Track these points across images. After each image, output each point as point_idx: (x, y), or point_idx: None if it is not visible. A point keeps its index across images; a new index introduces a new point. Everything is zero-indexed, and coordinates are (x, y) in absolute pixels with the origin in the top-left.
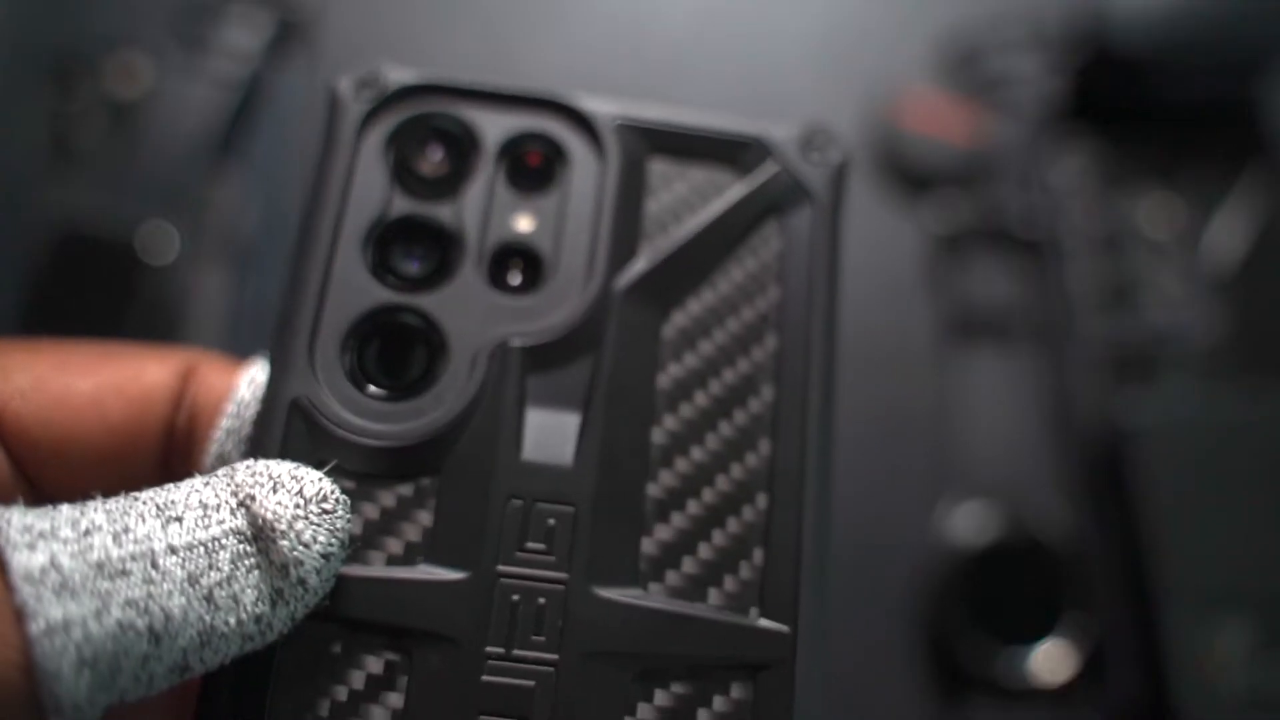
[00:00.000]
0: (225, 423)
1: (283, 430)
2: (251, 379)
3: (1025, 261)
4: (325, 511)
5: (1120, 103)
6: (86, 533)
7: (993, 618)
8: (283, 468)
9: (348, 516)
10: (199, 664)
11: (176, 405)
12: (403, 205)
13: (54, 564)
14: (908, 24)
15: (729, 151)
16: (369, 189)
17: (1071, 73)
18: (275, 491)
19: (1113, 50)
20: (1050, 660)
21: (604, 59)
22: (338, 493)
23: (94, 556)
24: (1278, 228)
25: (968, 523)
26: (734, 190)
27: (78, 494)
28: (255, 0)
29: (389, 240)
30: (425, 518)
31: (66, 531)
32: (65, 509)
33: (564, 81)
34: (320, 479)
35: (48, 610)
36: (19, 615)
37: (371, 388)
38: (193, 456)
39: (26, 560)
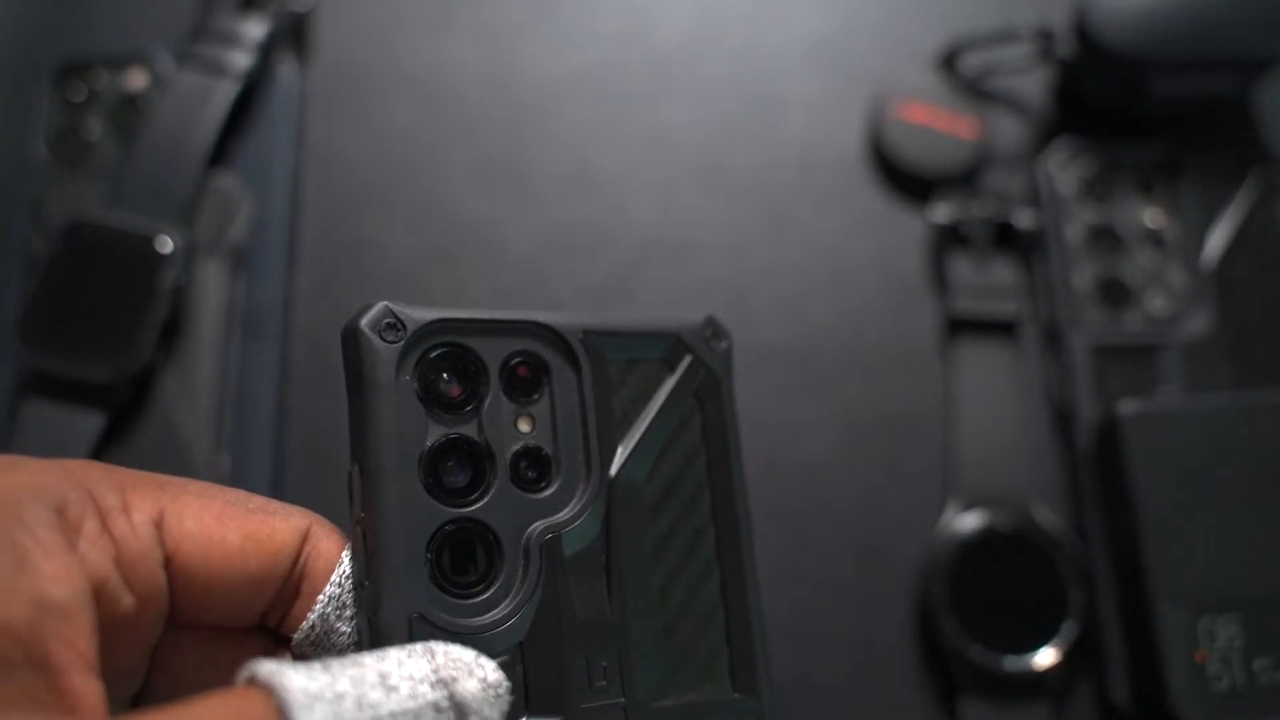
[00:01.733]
0: (330, 590)
1: (407, 636)
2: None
3: (1024, 260)
4: (499, 696)
5: (1115, 101)
6: (340, 696)
7: (991, 617)
8: (468, 655)
9: (509, 699)
10: None
11: (295, 563)
12: (438, 431)
13: None
14: (907, 23)
15: (658, 348)
16: (410, 423)
17: (1068, 70)
18: (470, 676)
19: (1104, 47)
20: (1047, 660)
21: (604, 59)
22: (505, 680)
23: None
24: (1274, 226)
25: (966, 522)
26: (667, 382)
27: (207, 625)
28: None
29: (436, 463)
30: (518, 680)
31: (328, 694)
32: (320, 672)
33: (564, 84)
34: (496, 668)
35: None
36: None
37: (454, 589)
38: (295, 611)
39: None
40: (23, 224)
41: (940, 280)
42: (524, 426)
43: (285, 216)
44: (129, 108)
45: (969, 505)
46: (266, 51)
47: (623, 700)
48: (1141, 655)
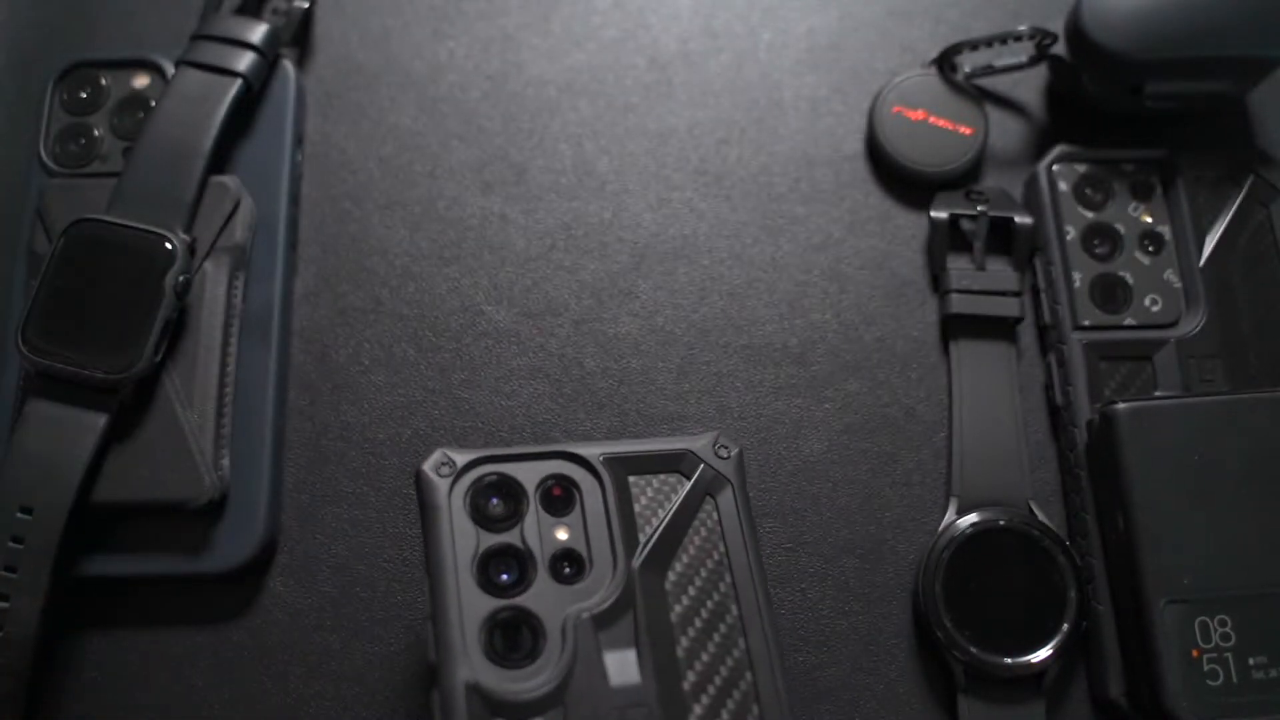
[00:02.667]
0: None
1: (465, 704)
2: None
3: (1023, 260)
4: None
5: (1113, 102)
6: None
7: (989, 616)
8: None
9: None
10: None
11: None
12: (487, 540)
13: None
14: (907, 23)
15: (674, 464)
16: (464, 535)
17: (1067, 71)
18: None
19: (1101, 49)
20: (1045, 658)
21: (604, 60)
22: None
23: None
24: (1272, 227)
25: (964, 522)
26: (682, 488)
27: None
28: (251, 6)
29: (486, 565)
30: None
31: None
32: None
33: (564, 84)
34: None
35: None
36: None
37: (506, 664)
38: None
39: None
40: (26, 224)
41: (939, 280)
42: (561, 534)
43: (285, 216)
44: (131, 109)
45: (968, 505)
46: (267, 52)
47: None
48: (1137, 653)
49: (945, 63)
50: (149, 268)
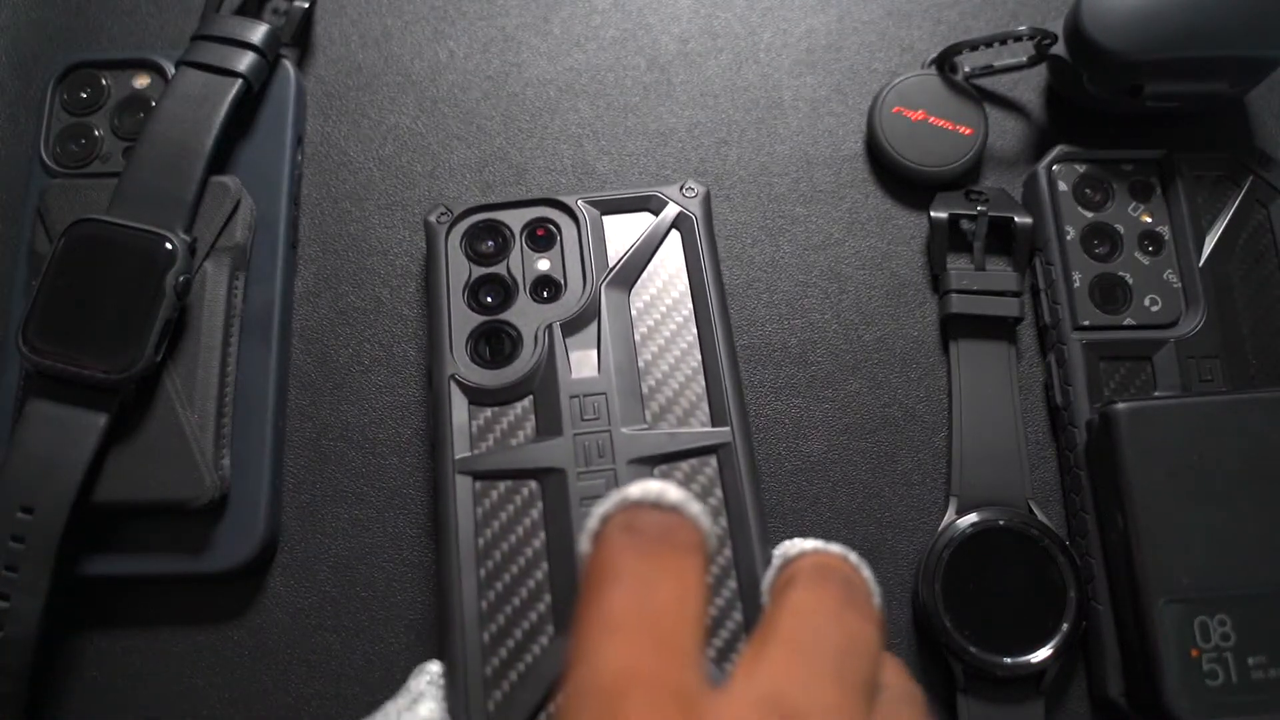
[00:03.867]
0: None
1: (448, 391)
2: None
3: (1023, 260)
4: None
5: (1112, 102)
6: None
7: (989, 616)
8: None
9: None
10: None
11: None
12: (478, 271)
13: None
14: (906, 23)
15: (645, 204)
16: (458, 267)
17: (1066, 71)
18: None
19: (1100, 49)
20: (1044, 658)
21: (604, 59)
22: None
23: None
24: (1271, 227)
25: (964, 522)
26: (650, 222)
27: None
28: (251, 6)
29: (477, 290)
30: (532, 417)
31: None
32: None
33: (564, 84)
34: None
35: None
36: None
37: (487, 365)
38: None
39: None
40: (27, 224)
41: (939, 280)
42: (541, 265)
43: (285, 216)
44: (132, 109)
45: (967, 504)
46: (267, 52)
47: (608, 428)
48: (1136, 652)
49: (945, 63)
50: (149, 268)
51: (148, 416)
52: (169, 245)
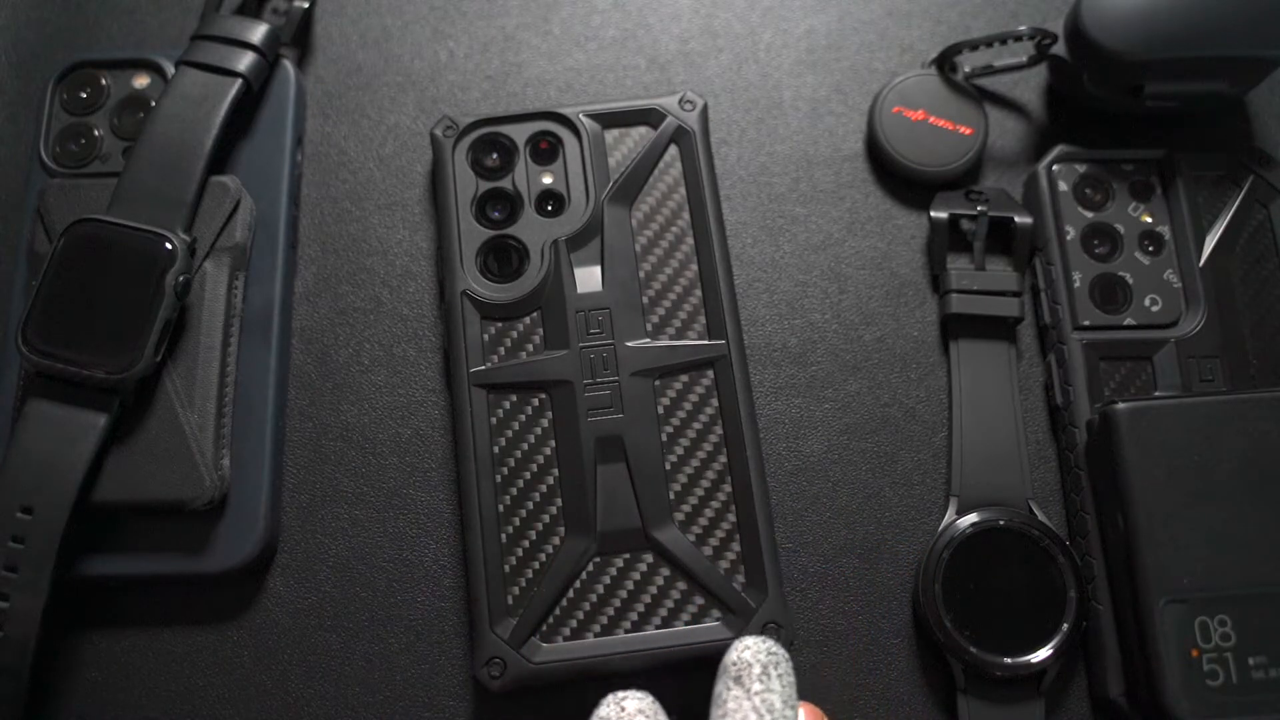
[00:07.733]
0: None
1: (460, 305)
2: None
3: (1023, 260)
4: None
5: (1113, 101)
6: None
7: (989, 616)
8: None
9: None
10: None
11: None
12: (484, 185)
13: None
14: (907, 22)
15: (645, 117)
16: (465, 181)
17: (1066, 71)
18: None
19: (1100, 48)
20: (1045, 658)
21: (604, 59)
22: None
23: None
24: (1271, 227)
25: (964, 522)
26: (650, 136)
27: None
28: (251, 6)
29: (483, 204)
30: (539, 330)
31: None
32: None
33: (565, 84)
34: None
35: None
36: None
37: (497, 280)
38: None
39: None
40: (27, 224)
41: (939, 280)
42: (546, 179)
43: (285, 216)
44: (132, 109)
45: (967, 504)
46: (267, 52)
47: (611, 341)
48: (1136, 653)
49: (945, 63)
50: (149, 268)
51: (147, 417)
52: (169, 245)
